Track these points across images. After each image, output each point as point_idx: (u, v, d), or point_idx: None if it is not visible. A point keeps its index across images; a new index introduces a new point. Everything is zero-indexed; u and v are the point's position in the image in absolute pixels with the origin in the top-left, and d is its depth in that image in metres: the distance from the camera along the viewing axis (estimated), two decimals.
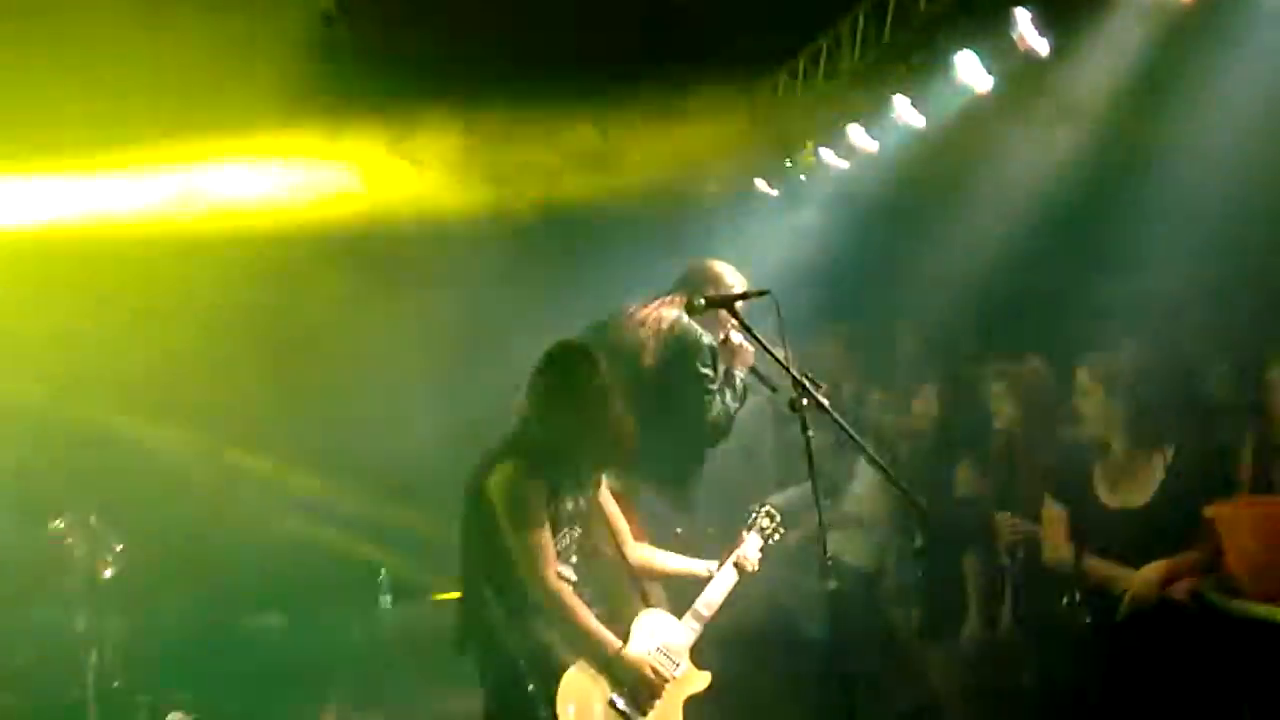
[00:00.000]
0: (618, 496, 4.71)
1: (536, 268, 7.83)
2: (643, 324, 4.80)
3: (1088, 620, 4.39)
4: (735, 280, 4.85)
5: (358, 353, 7.79)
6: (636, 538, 4.64)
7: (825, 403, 4.20)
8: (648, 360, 4.70)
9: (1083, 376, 4.45)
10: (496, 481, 4.01)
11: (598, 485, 4.26)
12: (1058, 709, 4.61)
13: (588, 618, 3.99)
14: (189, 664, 6.49)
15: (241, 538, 7.29)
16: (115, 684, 6.10)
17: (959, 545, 5.21)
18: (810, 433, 4.19)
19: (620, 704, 3.97)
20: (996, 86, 5.63)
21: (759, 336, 4.39)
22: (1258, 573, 4.10)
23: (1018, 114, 5.78)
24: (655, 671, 4.04)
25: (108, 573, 6.18)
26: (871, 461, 4.40)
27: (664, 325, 4.79)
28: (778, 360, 4.32)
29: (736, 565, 4.38)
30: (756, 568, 4.42)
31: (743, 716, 4.93)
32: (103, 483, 6.59)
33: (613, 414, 4.09)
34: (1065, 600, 4.46)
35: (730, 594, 4.34)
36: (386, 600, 7.40)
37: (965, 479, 5.35)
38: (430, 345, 7.81)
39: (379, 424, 7.57)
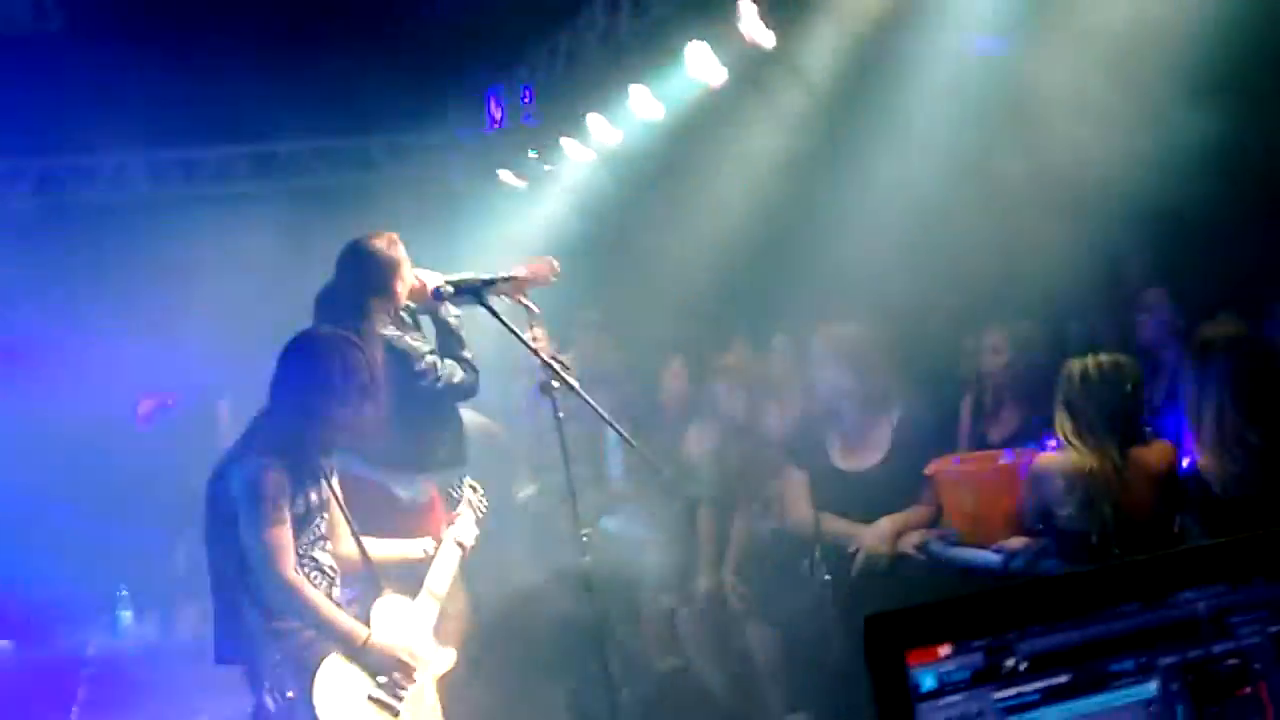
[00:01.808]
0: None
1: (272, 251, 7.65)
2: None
3: (826, 576, 4.66)
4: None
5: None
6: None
7: (575, 384, 4.33)
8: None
9: (818, 347, 4.72)
10: (236, 477, 3.91)
11: (331, 473, 4.19)
12: (803, 662, 4.87)
13: (331, 609, 3.89)
14: None
15: None
16: None
17: (693, 508, 5.47)
18: (561, 414, 4.33)
19: (378, 694, 3.93)
20: (728, 78, 5.86)
21: (507, 322, 4.46)
22: (973, 523, 4.48)
23: (748, 104, 6.04)
24: (409, 654, 4.02)
25: None
26: (620, 435, 4.55)
27: None
28: (527, 345, 4.40)
29: (456, 543, 4.38)
30: (474, 542, 4.43)
31: (508, 691, 4.97)
32: None
33: (342, 402, 4.03)
34: (805, 559, 4.73)
35: (457, 569, 4.34)
36: (128, 617, 7.03)
37: (696, 445, 5.63)
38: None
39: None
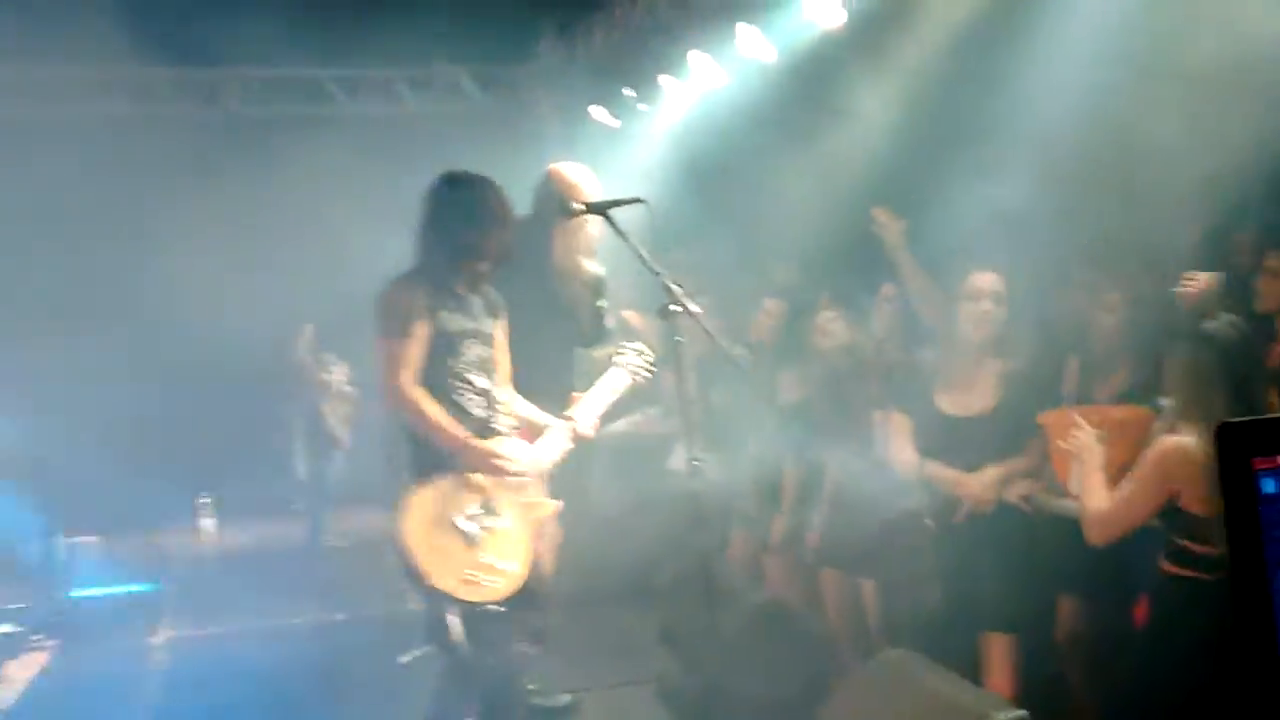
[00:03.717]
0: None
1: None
2: None
3: (928, 521, 4.65)
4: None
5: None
6: None
7: (695, 309, 4.33)
8: None
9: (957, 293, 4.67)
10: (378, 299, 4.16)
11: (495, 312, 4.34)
12: (900, 611, 4.88)
13: (439, 415, 4.08)
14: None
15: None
16: None
17: (782, 450, 5.48)
18: (679, 339, 4.33)
19: (464, 525, 4.03)
20: (849, 20, 5.79)
21: (632, 243, 4.47)
22: None
23: (867, 48, 5.96)
24: (503, 462, 4.13)
25: None
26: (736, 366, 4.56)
27: None
28: (649, 267, 4.40)
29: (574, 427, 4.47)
30: (590, 432, 4.52)
31: (596, 619, 5.03)
32: None
33: (478, 229, 4.17)
34: (909, 504, 4.71)
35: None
36: (210, 525, 7.14)
37: (788, 387, 5.63)
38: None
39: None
